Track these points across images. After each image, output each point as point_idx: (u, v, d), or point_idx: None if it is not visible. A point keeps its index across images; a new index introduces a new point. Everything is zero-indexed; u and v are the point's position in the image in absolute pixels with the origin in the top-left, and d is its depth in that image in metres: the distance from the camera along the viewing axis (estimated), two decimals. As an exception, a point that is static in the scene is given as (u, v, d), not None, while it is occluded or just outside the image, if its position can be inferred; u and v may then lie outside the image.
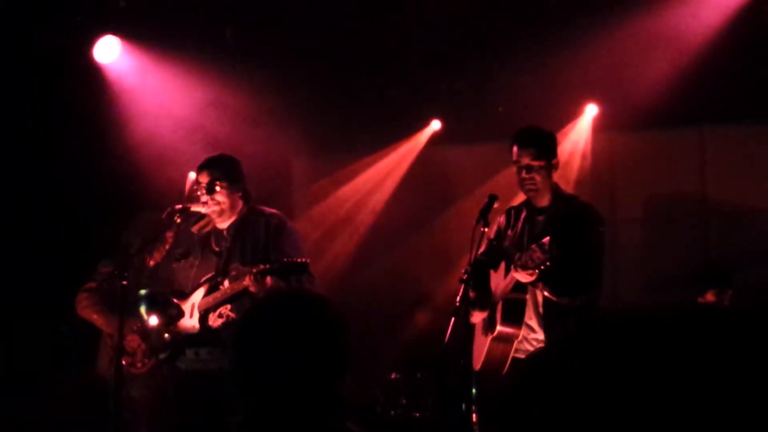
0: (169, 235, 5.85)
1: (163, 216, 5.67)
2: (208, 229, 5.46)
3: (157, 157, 7.20)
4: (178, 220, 5.36)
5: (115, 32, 7.10)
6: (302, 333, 2.25)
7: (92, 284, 6.19)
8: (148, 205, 6.43)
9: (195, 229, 5.49)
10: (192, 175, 6.02)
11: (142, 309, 5.41)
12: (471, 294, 4.99)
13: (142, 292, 5.49)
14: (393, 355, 7.50)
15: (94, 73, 7.15)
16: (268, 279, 4.92)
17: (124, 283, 5.13)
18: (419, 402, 6.86)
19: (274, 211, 5.57)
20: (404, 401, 6.86)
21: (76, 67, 7.03)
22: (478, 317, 5.03)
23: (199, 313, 5.24)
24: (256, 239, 5.33)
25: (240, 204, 5.37)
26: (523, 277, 4.64)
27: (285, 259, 4.99)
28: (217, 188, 5.26)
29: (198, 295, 5.27)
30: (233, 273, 5.20)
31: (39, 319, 6.62)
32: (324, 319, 2.30)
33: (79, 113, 6.99)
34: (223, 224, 5.36)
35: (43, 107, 6.87)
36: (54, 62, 6.86)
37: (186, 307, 5.30)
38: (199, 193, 5.31)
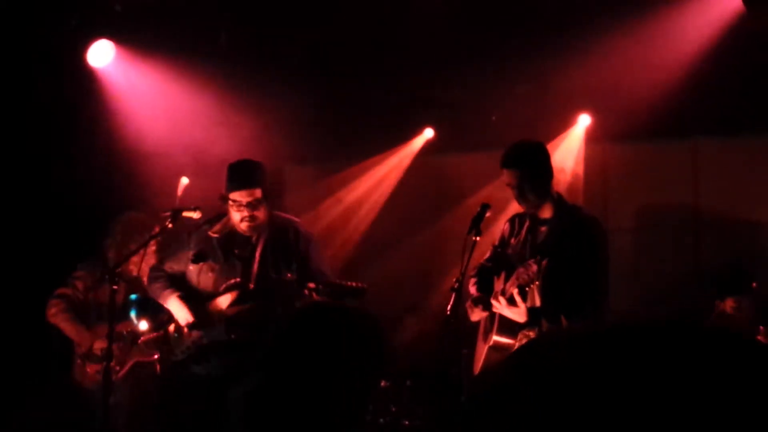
0: (158, 240, 5.79)
1: (152, 219, 5.65)
2: (225, 232, 5.31)
3: (148, 161, 7.20)
4: (170, 225, 5.33)
5: (109, 36, 7.09)
6: (348, 346, 2.25)
7: (64, 290, 6.13)
8: (131, 207, 6.42)
9: (213, 232, 5.33)
10: (184, 180, 5.98)
11: (132, 314, 5.37)
12: (474, 293, 5.02)
13: (133, 297, 5.46)
14: (388, 360, 7.47)
15: (87, 77, 7.14)
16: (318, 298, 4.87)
17: (115, 287, 5.11)
18: (408, 410, 6.85)
19: (294, 218, 5.52)
20: (393, 409, 6.85)
21: (69, 70, 7.01)
22: (478, 316, 5.01)
23: (228, 321, 5.10)
24: (287, 248, 5.22)
25: (268, 212, 5.28)
26: (514, 314, 4.68)
27: (342, 282, 4.93)
28: (260, 208, 5.18)
29: (224, 302, 5.15)
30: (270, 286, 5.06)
31: (17, 322, 6.57)
32: (377, 339, 2.31)
33: (71, 116, 6.99)
34: (249, 229, 5.23)
35: (35, 109, 6.86)
36: (47, 65, 6.85)
37: (211, 311, 5.18)
38: (234, 210, 5.17)
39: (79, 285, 6.14)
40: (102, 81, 7.24)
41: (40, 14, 6.68)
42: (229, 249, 5.27)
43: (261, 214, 5.19)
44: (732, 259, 7.36)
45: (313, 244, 5.34)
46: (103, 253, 6.19)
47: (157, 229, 5.94)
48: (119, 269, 5.48)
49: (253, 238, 5.25)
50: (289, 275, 5.02)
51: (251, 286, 5.14)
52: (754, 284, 6.20)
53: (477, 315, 5.01)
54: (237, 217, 5.20)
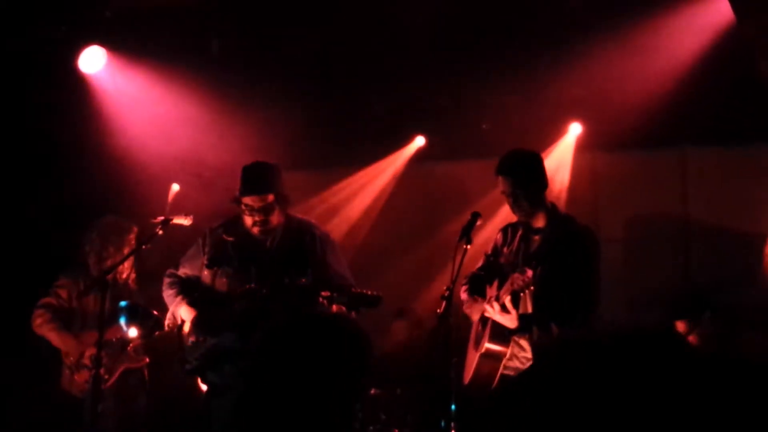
0: (145, 247, 5.75)
1: (129, 223, 5.62)
2: (241, 235, 5.25)
3: (139, 168, 7.18)
4: (160, 232, 5.30)
5: (100, 42, 7.08)
6: (335, 355, 2.26)
7: (48, 300, 6.09)
8: (114, 211, 6.39)
9: (227, 236, 5.27)
10: (175, 187, 5.96)
11: (122, 321, 5.34)
12: (467, 298, 5.03)
13: (122, 303, 5.43)
14: (372, 370, 7.45)
15: (78, 83, 7.13)
16: (334, 306, 4.82)
17: (105, 294, 5.09)
18: (398, 418, 6.83)
19: (310, 220, 5.46)
20: (384, 417, 6.84)
21: (60, 76, 7.00)
22: (478, 312, 5.00)
23: (240, 328, 5.00)
24: (302, 252, 5.16)
25: (282, 215, 5.23)
26: (505, 320, 4.68)
27: (357, 290, 4.89)
28: (274, 212, 5.13)
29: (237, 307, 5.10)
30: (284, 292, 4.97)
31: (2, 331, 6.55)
32: (358, 349, 2.31)
33: (62, 122, 6.97)
34: (262, 233, 5.19)
35: (26, 115, 6.85)
36: (38, 71, 6.83)
37: (224, 318, 5.11)
38: (247, 214, 5.11)
39: (63, 293, 6.11)
40: (93, 87, 7.22)
41: (31, 20, 6.67)
42: (243, 253, 5.21)
43: (274, 218, 5.14)
44: (689, 283, 7.40)
45: (330, 246, 5.27)
46: (84, 259, 6.16)
47: (135, 231, 5.94)
48: (109, 277, 5.46)
49: (268, 242, 5.20)
50: (303, 280, 4.95)
51: (265, 291, 5.07)
52: (708, 313, 6.11)
53: (477, 311, 5.00)
54: (249, 221, 5.16)
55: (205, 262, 5.26)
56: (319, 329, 2.33)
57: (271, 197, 5.10)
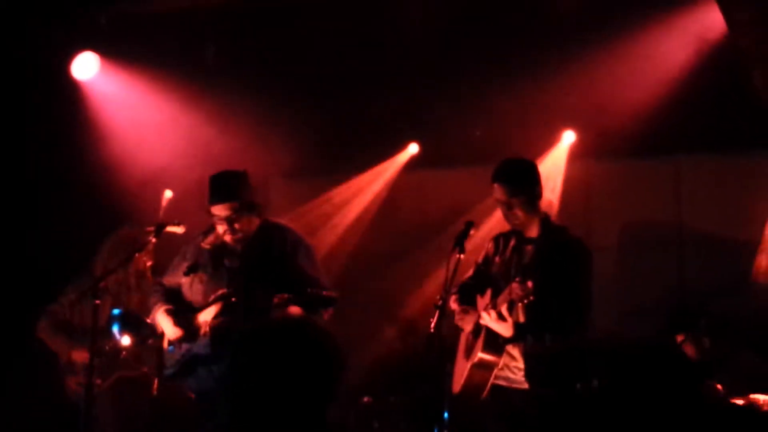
0: (143, 255, 5.74)
1: (137, 235, 5.61)
2: (217, 243, 5.25)
3: (134, 175, 7.18)
4: (153, 240, 5.30)
5: (94, 49, 7.08)
6: (301, 360, 2.26)
7: (54, 306, 6.11)
8: (122, 222, 6.38)
9: (205, 244, 5.28)
10: (168, 194, 5.95)
11: (115, 329, 5.33)
12: (457, 307, 5.02)
13: (115, 311, 5.42)
14: (365, 378, 7.46)
15: (71, 90, 7.12)
16: (291, 308, 4.82)
17: (97, 302, 5.08)
18: (391, 426, 6.84)
19: (287, 224, 5.46)
20: (376, 425, 6.84)
21: (53, 83, 7.00)
22: (470, 323, 4.99)
23: (211, 333, 5.05)
24: (272, 256, 5.16)
25: (256, 221, 5.23)
26: (501, 329, 4.68)
27: (310, 290, 4.87)
28: (240, 220, 5.10)
29: (209, 314, 5.09)
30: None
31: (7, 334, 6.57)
32: (323, 350, 2.31)
33: (55, 130, 6.97)
34: (233, 241, 5.17)
35: (19, 122, 6.84)
36: (31, 78, 6.83)
37: (197, 324, 5.12)
38: (217, 223, 5.12)
39: (66, 303, 6.13)
40: (86, 94, 7.22)
41: (24, 26, 6.66)
42: (219, 260, 5.22)
43: (244, 225, 5.13)
44: (679, 298, 7.41)
45: (303, 249, 5.25)
46: (92, 271, 6.16)
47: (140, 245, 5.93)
48: (103, 284, 5.44)
49: (240, 248, 5.23)
50: (272, 285, 4.95)
51: (235, 297, 5.06)
52: (703, 321, 6.11)
53: (470, 322, 4.99)
54: (220, 229, 5.18)
55: (184, 270, 5.28)
56: (282, 336, 2.34)
57: (237, 205, 5.10)
